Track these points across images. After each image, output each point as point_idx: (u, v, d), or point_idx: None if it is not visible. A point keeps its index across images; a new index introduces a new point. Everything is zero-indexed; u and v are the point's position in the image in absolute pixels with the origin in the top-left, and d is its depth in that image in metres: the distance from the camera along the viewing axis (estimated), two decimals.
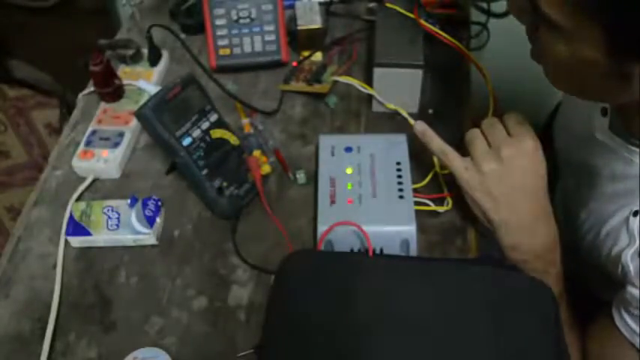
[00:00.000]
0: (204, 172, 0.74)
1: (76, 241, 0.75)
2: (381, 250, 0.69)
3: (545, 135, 1.07)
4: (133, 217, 0.75)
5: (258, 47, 0.94)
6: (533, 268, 0.67)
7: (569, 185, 0.82)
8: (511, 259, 0.68)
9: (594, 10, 0.49)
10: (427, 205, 0.76)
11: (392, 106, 0.87)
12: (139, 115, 0.72)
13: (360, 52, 0.97)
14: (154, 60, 0.94)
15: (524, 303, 0.57)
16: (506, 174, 0.65)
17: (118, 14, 1.56)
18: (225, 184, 0.75)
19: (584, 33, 0.51)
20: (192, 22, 1.00)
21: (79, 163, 0.82)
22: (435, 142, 0.70)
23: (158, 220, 0.76)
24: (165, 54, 0.96)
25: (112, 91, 0.87)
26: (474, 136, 0.68)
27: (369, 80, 0.88)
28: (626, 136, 0.65)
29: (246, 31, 0.94)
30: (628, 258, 0.62)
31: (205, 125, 0.75)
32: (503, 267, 0.61)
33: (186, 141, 0.73)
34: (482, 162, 0.66)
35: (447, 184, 0.78)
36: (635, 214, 0.63)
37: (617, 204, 0.66)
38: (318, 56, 0.95)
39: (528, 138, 0.66)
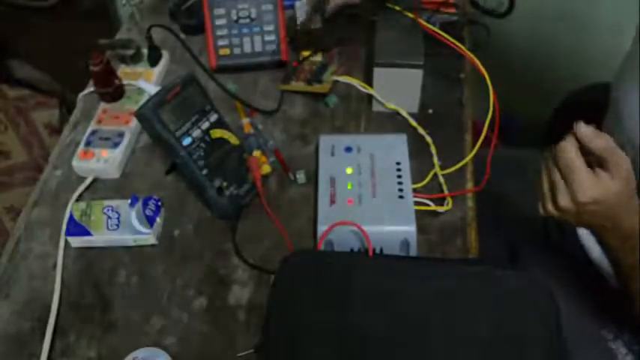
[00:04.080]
0: (204, 172, 0.74)
1: (76, 241, 0.75)
2: (381, 250, 0.69)
3: (549, 132, 1.08)
4: (133, 217, 0.75)
5: (258, 47, 0.94)
6: None
7: None
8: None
9: None
10: (427, 205, 0.76)
11: (392, 106, 0.87)
12: (138, 115, 0.72)
13: (360, 52, 0.97)
14: (154, 60, 0.94)
15: (524, 303, 0.57)
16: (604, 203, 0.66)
17: (118, 14, 1.56)
18: (225, 184, 0.75)
19: None
20: (193, 22, 1.00)
21: (79, 163, 0.82)
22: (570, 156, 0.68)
23: (158, 220, 0.76)
24: (165, 54, 0.96)
25: (112, 91, 0.87)
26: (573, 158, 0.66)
27: (369, 80, 0.88)
28: None
29: (246, 31, 0.94)
30: None
31: (205, 125, 0.75)
32: (504, 267, 0.61)
33: (186, 141, 0.73)
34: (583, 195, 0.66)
35: (447, 184, 0.78)
36: None
37: None
38: (318, 56, 0.95)
39: (623, 164, 0.66)
